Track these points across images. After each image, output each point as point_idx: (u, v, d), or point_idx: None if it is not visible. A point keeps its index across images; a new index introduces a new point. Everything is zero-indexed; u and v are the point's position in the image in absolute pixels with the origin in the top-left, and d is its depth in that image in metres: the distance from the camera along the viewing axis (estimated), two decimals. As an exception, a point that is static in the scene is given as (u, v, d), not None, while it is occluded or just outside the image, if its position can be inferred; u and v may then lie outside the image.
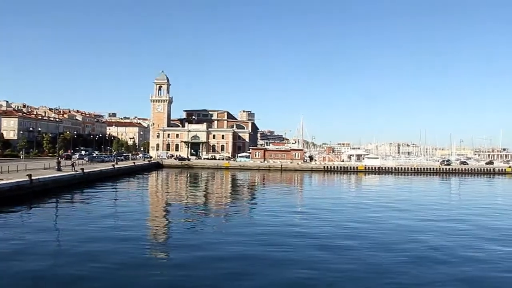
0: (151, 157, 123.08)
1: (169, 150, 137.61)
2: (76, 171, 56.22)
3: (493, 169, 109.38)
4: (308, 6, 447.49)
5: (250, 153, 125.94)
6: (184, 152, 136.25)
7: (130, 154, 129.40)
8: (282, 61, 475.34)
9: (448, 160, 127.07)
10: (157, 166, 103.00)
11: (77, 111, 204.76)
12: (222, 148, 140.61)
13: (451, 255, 21.42)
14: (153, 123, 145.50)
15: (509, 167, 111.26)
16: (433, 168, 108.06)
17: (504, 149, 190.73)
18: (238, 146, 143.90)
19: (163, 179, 73.99)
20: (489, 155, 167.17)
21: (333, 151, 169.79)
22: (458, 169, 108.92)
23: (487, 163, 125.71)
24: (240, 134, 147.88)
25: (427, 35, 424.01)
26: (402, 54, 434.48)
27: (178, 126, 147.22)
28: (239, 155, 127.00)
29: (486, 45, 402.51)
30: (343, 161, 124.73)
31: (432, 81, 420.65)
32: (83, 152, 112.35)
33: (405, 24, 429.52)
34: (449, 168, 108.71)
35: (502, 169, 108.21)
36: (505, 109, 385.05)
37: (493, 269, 19.27)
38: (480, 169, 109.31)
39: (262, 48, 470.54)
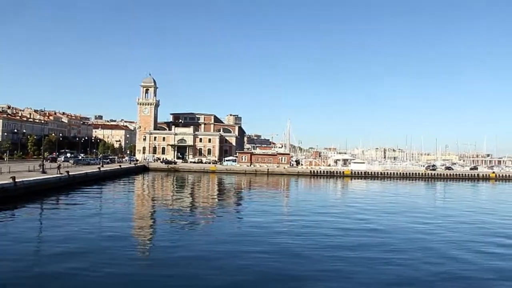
0: (137, 160, 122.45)
1: (155, 153, 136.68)
2: (62, 173, 55.56)
3: (478, 174, 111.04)
4: (298, 13, 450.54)
5: (236, 157, 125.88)
6: (170, 155, 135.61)
7: (116, 157, 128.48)
8: (269, 65, 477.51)
9: (433, 165, 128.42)
10: (143, 169, 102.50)
11: (63, 113, 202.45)
12: (209, 151, 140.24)
13: (436, 257, 21.81)
14: (140, 126, 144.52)
15: (493, 172, 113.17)
16: (419, 173, 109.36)
17: (488, 155, 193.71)
18: (225, 150, 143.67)
19: (149, 183, 73.45)
20: (473, 160, 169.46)
21: (319, 156, 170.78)
22: (443, 174, 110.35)
23: (471, 169, 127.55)
24: (227, 138, 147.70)
25: (416, 40, 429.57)
26: (390, 61, 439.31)
27: (165, 129, 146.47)
28: (226, 159, 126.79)
29: (476, 52, 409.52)
30: (329, 165, 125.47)
31: (419, 87, 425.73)
32: (68, 155, 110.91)
33: (398, 28, 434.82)
34: (434, 173, 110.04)
35: (486, 175, 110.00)
36: (489, 115, 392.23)
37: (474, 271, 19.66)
38: (465, 174, 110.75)
39: (249, 53, 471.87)
